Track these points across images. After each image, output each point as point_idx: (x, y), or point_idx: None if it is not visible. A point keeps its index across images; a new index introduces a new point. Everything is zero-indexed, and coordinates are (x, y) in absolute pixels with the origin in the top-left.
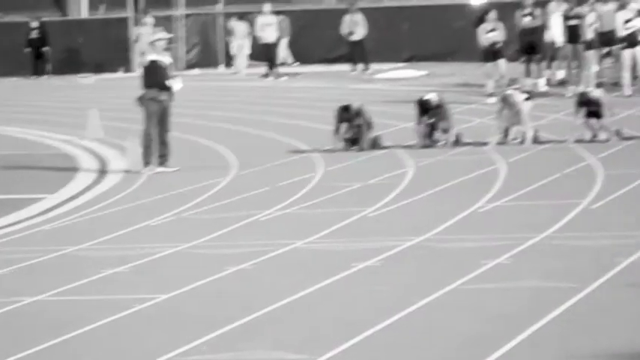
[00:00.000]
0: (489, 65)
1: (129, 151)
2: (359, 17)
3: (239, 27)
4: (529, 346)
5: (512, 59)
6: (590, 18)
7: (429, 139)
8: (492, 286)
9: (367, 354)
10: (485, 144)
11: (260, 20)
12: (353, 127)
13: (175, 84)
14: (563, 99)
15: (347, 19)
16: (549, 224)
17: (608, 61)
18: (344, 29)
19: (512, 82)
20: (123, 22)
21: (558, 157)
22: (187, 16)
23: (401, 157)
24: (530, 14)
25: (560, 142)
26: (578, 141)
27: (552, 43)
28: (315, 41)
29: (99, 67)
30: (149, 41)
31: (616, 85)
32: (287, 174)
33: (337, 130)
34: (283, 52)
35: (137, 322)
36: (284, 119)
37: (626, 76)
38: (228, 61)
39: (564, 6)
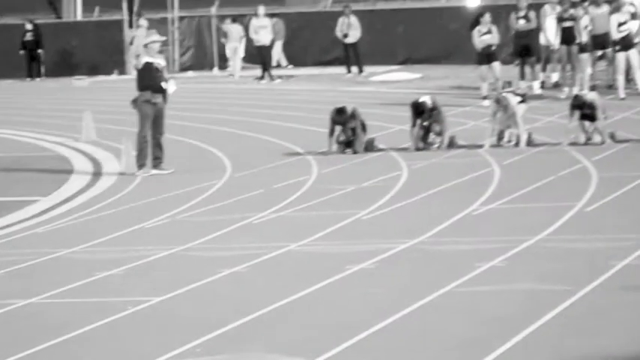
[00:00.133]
0: (484, 68)
1: (123, 153)
2: (353, 20)
3: (233, 29)
4: (523, 349)
5: (506, 62)
6: (585, 20)
7: (423, 141)
8: (487, 288)
9: (362, 356)
10: (479, 147)
11: (254, 23)
12: (347, 129)
13: (170, 86)
14: (557, 102)
15: (341, 21)
16: (543, 227)
17: (602, 64)
18: (338, 32)
19: (507, 84)
20: (117, 24)
21: (552, 159)
22: (181, 18)
23: (395, 159)
24: (525, 17)
25: (554, 144)
26: (573, 144)
27: (547, 46)
28: (310, 44)
29: (93, 70)
30: (143, 44)
31: (610, 87)
32: (281, 176)
33: (331, 133)
34: (277, 55)
35: (131, 325)
36: (278, 122)
37: (620, 79)
38: (223, 63)
39: (559, 9)
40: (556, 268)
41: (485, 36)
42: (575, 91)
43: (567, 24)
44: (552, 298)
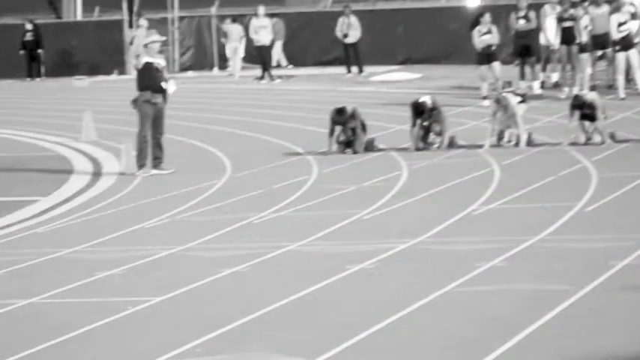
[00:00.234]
0: (484, 68)
1: (123, 153)
2: (353, 20)
3: (233, 29)
4: (523, 349)
5: (506, 62)
6: (585, 21)
7: (423, 141)
8: (486, 288)
9: (362, 356)
10: (479, 147)
11: (254, 23)
12: (347, 129)
13: (170, 86)
14: (557, 102)
15: (341, 21)
16: (543, 227)
17: (602, 64)
18: (338, 32)
19: (507, 84)
20: (117, 24)
21: (552, 159)
22: (181, 18)
23: (395, 159)
24: (525, 17)
25: (554, 144)
26: (573, 144)
27: (547, 46)
28: (310, 44)
29: (93, 70)
30: (143, 44)
31: (610, 87)
32: (281, 176)
33: (332, 133)
34: (278, 55)
35: (131, 325)
36: (278, 122)
37: (620, 79)
38: (223, 63)
39: (559, 9)
40: (556, 268)
41: (485, 36)
42: (575, 91)
43: (567, 24)
44: (552, 298)
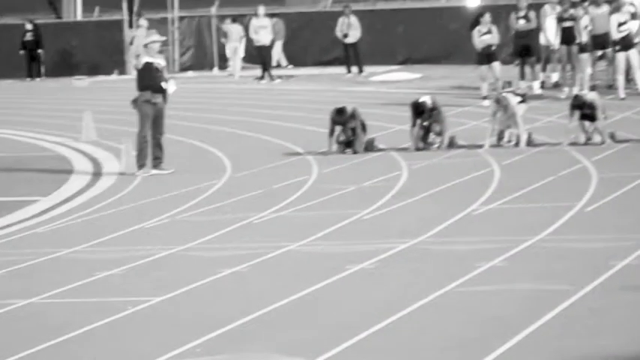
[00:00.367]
0: (484, 68)
1: (123, 153)
2: (353, 20)
3: (233, 29)
4: (523, 349)
5: (506, 62)
6: (585, 21)
7: (423, 141)
8: (486, 288)
9: (362, 356)
10: (479, 147)
11: (254, 23)
12: (347, 129)
13: (170, 86)
14: (557, 102)
15: (341, 21)
16: (543, 227)
17: (602, 64)
18: (338, 32)
19: (507, 84)
20: (117, 24)
21: (552, 159)
22: (181, 18)
23: (395, 159)
24: (525, 17)
25: (554, 144)
26: (573, 144)
27: (547, 46)
28: (310, 44)
29: (93, 70)
30: (143, 43)
31: (610, 87)
32: (281, 176)
33: (332, 133)
34: (278, 55)
35: (131, 325)
36: (278, 122)
37: (620, 79)
38: (223, 63)
39: (559, 9)
40: (556, 268)
41: (485, 36)
42: (575, 91)
43: (567, 24)
44: (552, 298)
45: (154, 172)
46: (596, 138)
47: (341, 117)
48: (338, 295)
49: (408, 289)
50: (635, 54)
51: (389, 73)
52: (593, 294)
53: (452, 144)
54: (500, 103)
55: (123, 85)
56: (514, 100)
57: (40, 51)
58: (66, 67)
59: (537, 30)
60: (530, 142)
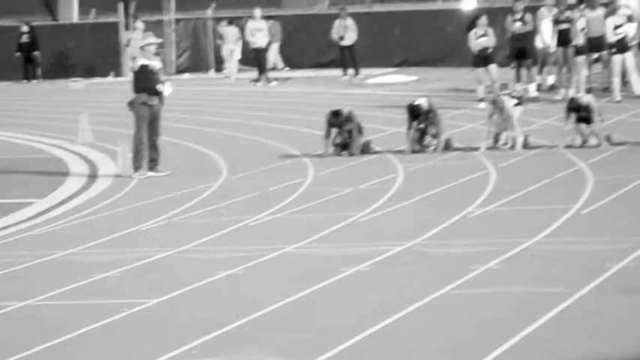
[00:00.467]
0: (480, 70)
1: (119, 155)
2: (350, 22)
3: (229, 32)
4: (519, 352)
5: (503, 64)
6: (581, 23)
7: (419, 144)
8: (482, 291)
9: (358, 359)
10: (475, 149)
11: (250, 25)
12: (343, 132)
13: (166, 88)
14: (553, 104)
15: (338, 24)
16: (539, 229)
17: (597, 67)
18: (335, 34)
19: (503, 87)
20: (113, 26)
21: (548, 162)
22: (178, 20)
23: (391, 162)
24: (521, 19)
25: (550, 147)
26: (569, 146)
27: (543, 49)
28: (306, 46)
29: (89, 72)
30: (139, 46)
31: (606, 90)
32: (277, 179)
33: (327, 135)
34: (274, 57)
35: (127, 327)
36: (274, 124)
37: (616, 82)
38: (219, 65)
39: (555, 11)
40: (552, 270)
41: (481, 39)
42: (572, 93)
43: (563, 26)
44: (548, 301)
45: (150, 174)
46: (592, 141)
47: (337, 119)
48: (334, 297)
49: (404, 292)
50: (630, 57)
51: (385, 76)
52: (589, 296)
53: (448, 146)
54: (497, 106)
55: (119, 87)
56: (510, 102)
57: (36, 53)
58: (62, 69)
59: (533, 33)
60: (526, 145)
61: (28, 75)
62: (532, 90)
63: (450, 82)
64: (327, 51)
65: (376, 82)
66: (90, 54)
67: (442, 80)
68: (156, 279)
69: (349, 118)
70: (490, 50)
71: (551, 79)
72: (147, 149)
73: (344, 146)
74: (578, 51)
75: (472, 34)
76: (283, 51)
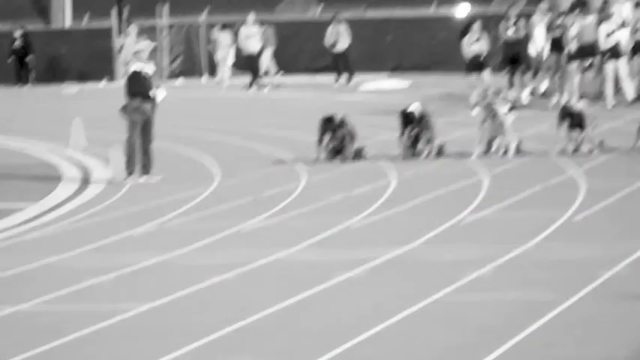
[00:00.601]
0: (473, 76)
1: (112, 160)
2: (343, 28)
3: (222, 37)
4: (511, 358)
5: (496, 71)
6: (573, 30)
7: (412, 150)
8: (475, 297)
9: None
10: (468, 155)
11: (243, 31)
12: (336, 137)
13: (159, 94)
14: (546, 110)
15: (331, 29)
16: (532, 235)
17: (589, 74)
18: (328, 40)
19: (496, 93)
20: (106, 31)
21: (541, 168)
22: (171, 26)
23: (384, 167)
24: (514, 26)
25: (543, 153)
26: (561, 153)
27: (536, 55)
28: (299, 52)
29: (82, 77)
30: (133, 51)
31: (598, 97)
32: (270, 184)
33: (321, 141)
34: (267, 63)
35: (118, 332)
36: (267, 130)
37: (609, 88)
38: (212, 71)
39: (548, 18)
40: (544, 276)
41: (474, 45)
42: (564, 100)
43: (556, 33)
44: (540, 307)
45: (143, 179)
46: (585, 147)
47: (330, 125)
48: (326, 303)
49: (396, 298)
50: (623, 63)
51: (378, 82)
52: (581, 303)
53: (441, 152)
54: (489, 112)
55: (112, 92)
56: (503, 108)
57: (29, 58)
58: (55, 74)
59: (526, 39)
60: (519, 151)
61: (21, 80)
62: (525, 96)
63: (442, 88)
64: (321, 57)
65: (369, 87)
66: (83, 59)
67: (435, 86)
68: (148, 284)
69: (342, 124)
70: (483, 56)
71: (544, 86)
72: (139, 154)
73: (337, 152)
74: (571, 57)
75: (466, 40)
76: (276, 56)
